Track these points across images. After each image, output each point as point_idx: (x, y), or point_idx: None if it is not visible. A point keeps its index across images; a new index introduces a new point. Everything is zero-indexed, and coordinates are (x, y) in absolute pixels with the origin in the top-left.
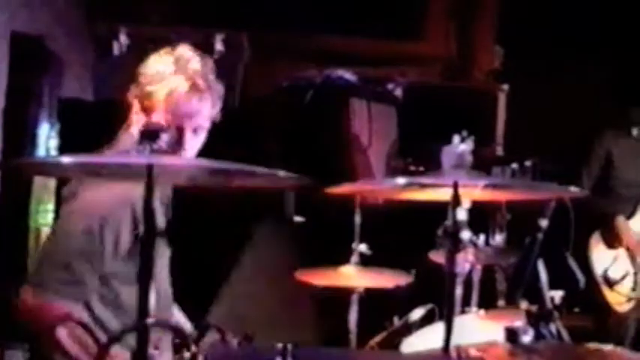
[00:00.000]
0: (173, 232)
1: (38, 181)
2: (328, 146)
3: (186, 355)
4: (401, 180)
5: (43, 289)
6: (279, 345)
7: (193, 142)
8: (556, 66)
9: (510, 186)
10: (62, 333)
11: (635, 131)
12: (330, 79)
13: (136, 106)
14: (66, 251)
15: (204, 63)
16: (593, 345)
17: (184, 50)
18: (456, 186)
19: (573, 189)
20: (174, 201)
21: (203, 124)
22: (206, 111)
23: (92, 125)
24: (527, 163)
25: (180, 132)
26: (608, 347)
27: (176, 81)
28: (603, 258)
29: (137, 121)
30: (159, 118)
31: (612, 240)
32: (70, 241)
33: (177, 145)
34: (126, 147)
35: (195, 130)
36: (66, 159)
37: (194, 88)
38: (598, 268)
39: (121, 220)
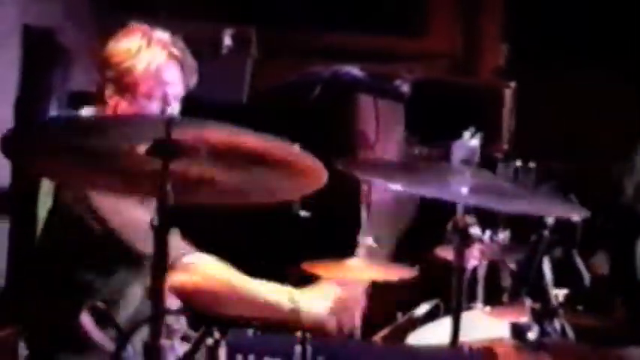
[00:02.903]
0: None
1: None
2: (335, 142)
3: (210, 341)
4: (398, 187)
5: None
6: (299, 334)
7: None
8: (564, 63)
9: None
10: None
11: None
12: (338, 75)
13: (110, 89)
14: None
15: (170, 34)
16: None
17: (145, 27)
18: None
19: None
20: None
21: (179, 90)
22: (182, 78)
23: None
24: (532, 165)
25: (165, 100)
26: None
27: (152, 51)
28: None
29: (115, 104)
30: (143, 90)
31: None
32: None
33: (163, 113)
34: None
35: (174, 97)
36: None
37: (171, 55)
38: None
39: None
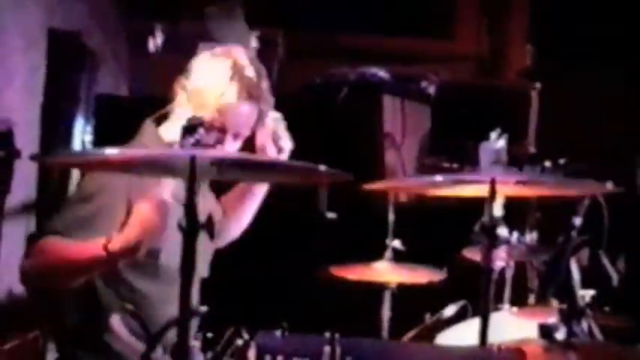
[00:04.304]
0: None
1: (75, 175)
2: (361, 143)
3: (239, 342)
4: (438, 177)
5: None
6: (327, 334)
7: (231, 147)
8: (590, 64)
9: (544, 182)
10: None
11: None
12: (364, 76)
13: (182, 96)
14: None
15: (258, 72)
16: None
17: (240, 55)
18: (493, 182)
19: (608, 185)
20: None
21: (245, 132)
22: (252, 120)
23: (127, 121)
24: (561, 161)
25: (222, 134)
26: None
27: (230, 87)
28: None
29: (179, 113)
30: (206, 115)
31: None
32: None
33: (216, 144)
34: (150, 142)
35: (235, 136)
36: (110, 151)
37: (247, 97)
38: None
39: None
